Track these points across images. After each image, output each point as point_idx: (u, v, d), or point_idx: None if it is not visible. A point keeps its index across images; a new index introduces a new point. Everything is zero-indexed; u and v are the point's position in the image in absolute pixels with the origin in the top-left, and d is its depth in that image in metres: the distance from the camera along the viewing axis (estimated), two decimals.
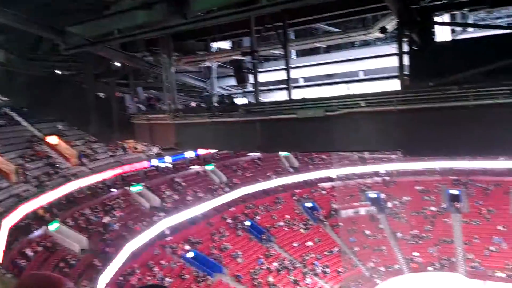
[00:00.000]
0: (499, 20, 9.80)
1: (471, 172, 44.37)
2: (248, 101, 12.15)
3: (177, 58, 12.12)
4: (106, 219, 31.04)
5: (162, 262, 31.49)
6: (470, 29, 9.39)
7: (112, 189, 34.25)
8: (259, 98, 10.41)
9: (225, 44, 13.16)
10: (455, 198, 44.63)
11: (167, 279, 29.87)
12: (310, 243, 40.58)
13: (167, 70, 11.78)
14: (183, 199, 37.13)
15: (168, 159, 37.88)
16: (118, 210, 32.59)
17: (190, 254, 33.50)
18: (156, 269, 30.49)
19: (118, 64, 14.00)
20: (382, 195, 46.57)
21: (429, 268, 38.96)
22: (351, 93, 9.96)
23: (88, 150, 33.29)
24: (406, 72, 7.09)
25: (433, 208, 44.21)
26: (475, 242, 39.86)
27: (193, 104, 14.98)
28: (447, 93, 6.07)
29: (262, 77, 11.19)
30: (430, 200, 45.14)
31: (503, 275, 36.44)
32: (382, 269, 39.48)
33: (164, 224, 33.49)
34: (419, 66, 6.66)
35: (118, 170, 33.90)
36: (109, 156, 34.52)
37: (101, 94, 16.33)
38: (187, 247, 34.06)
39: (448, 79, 6.11)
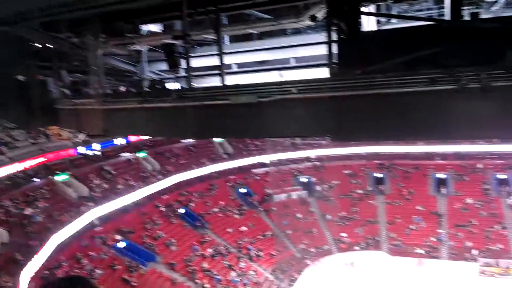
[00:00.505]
0: (420, 12, 10.41)
1: (394, 156, 47.34)
2: (181, 86, 11.90)
3: (105, 40, 11.54)
4: (28, 211, 29.15)
5: (92, 253, 30.31)
6: (394, 20, 9.89)
7: (35, 179, 32.17)
8: (192, 83, 10.24)
9: (156, 27, 12.73)
10: (379, 181, 47.48)
11: (97, 270, 28.85)
12: (244, 228, 41.17)
13: (94, 52, 11.18)
14: (114, 187, 35.85)
15: (96, 146, 36.22)
16: (42, 201, 30.73)
17: (122, 244, 32.55)
18: (85, 261, 29.30)
19: (40, 46, 13.05)
20: (313, 180, 48.29)
21: (356, 248, 41.25)
22: (283, 80, 10.11)
23: (7, 138, 30.90)
24: (335, 60, 7.34)
25: (359, 191, 46.70)
26: (397, 221, 42.77)
27: (123, 89, 14.40)
28: (372, 81, 6.37)
29: (195, 62, 11.00)
30: (357, 183, 47.60)
31: (422, 251, 39.56)
32: (313, 250, 41.15)
33: (93, 214, 32.16)
34: (347, 54, 6.91)
35: (41, 159, 31.84)
36: (31, 144, 32.31)
37: (21, 78, 15.14)
38: (118, 237, 33.05)
39: (373, 67, 6.41)
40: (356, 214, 44.43)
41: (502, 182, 43.35)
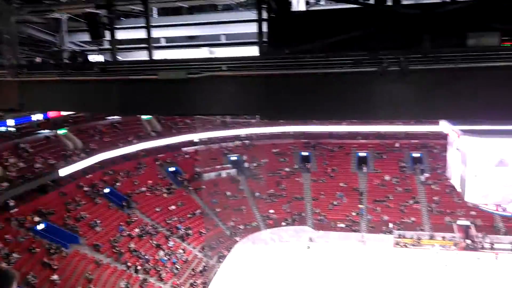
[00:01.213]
0: None
1: (319, 135, 49.24)
2: (104, 59, 11.27)
3: (19, 6, 10.54)
4: None
5: (7, 236, 28.30)
6: (323, 2, 10.09)
7: None
8: (117, 56, 9.75)
9: None
10: (305, 159, 49.23)
11: (14, 255, 27.04)
12: (173, 207, 40.77)
13: (7, 19, 10.18)
14: (31, 167, 33.50)
15: (10, 122, 33.44)
16: None
17: (41, 226, 30.72)
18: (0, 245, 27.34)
19: None
20: (243, 158, 48.84)
21: (283, 223, 42.69)
22: (213, 56, 9.96)
23: None
24: (265, 39, 7.35)
25: (287, 169, 48.13)
26: (322, 198, 44.83)
27: (39, 60, 13.33)
28: (300, 61, 6.46)
29: (120, 35, 10.45)
30: (284, 161, 48.96)
31: (343, 225, 41.93)
32: (242, 227, 41.92)
33: (7, 195, 29.90)
34: (277, 33, 6.94)
35: None
36: None
37: None
38: (36, 218, 31.12)
39: (302, 47, 6.51)
40: (284, 191, 45.83)
41: (416, 160, 46.99)
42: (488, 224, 39.21)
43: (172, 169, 45.12)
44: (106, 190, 37.89)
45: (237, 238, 40.36)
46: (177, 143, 46.22)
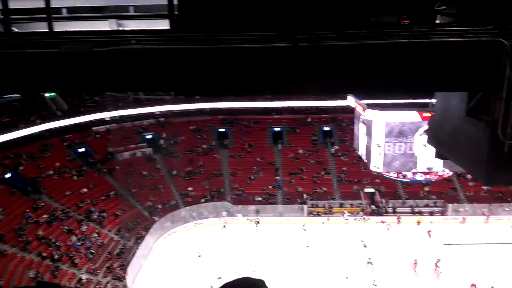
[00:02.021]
0: None
1: (236, 111, 49.58)
2: None
3: None
4: None
5: None
6: None
7: None
8: (12, 28, 8.80)
9: None
10: (223, 136, 49.44)
11: None
12: (85, 190, 38.75)
13: None
14: None
15: None
16: None
17: None
18: None
19: None
20: (158, 136, 47.66)
21: (202, 200, 42.78)
22: (121, 29, 9.43)
23: None
24: (176, 12, 7.09)
25: (204, 146, 47.98)
26: (239, 173, 45.56)
27: None
28: (212, 36, 6.38)
29: (14, 3, 9.43)
30: (201, 138, 48.72)
31: (260, 198, 43.16)
32: (160, 206, 41.25)
33: None
34: (188, 6, 6.74)
35: None
36: None
37: None
38: None
39: (214, 21, 6.40)
40: (202, 168, 45.76)
41: (326, 133, 49.52)
42: (391, 190, 42.94)
43: (82, 150, 42.65)
44: (8, 175, 34.81)
45: (156, 218, 39.69)
46: (87, 122, 43.55)
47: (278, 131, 49.96)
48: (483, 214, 40.11)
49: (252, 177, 45.21)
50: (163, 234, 38.14)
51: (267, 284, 1.62)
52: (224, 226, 40.14)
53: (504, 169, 5.89)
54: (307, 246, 36.09)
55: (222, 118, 50.42)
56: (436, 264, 31.70)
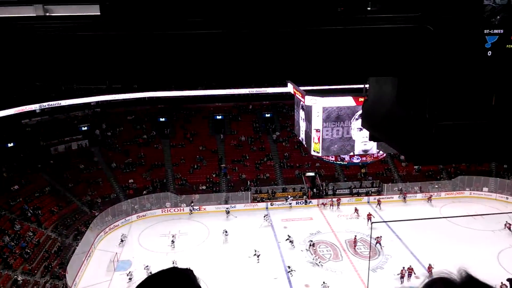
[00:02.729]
0: None
1: (176, 100, 48.59)
2: None
3: None
4: None
5: None
6: None
7: None
8: None
9: None
10: (163, 125, 48.40)
11: None
12: (16, 187, 36.46)
13: None
14: None
15: None
16: None
17: None
18: None
19: None
20: (95, 128, 45.73)
21: (144, 192, 41.76)
22: (48, 15, 8.84)
23: None
24: None
25: (144, 136, 46.75)
26: (182, 163, 44.95)
27: None
28: (143, 23, 6.16)
29: None
30: (141, 129, 47.40)
31: (204, 187, 42.93)
32: (99, 200, 39.78)
33: None
34: None
35: None
36: None
37: None
38: None
39: (142, 8, 6.17)
40: (142, 160, 44.61)
41: (268, 120, 50.06)
42: (330, 173, 44.45)
43: (10, 144, 39.92)
44: None
45: (96, 212, 38.23)
46: (14, 115, 40.59)
47: (220, 119, 49.78)
48: (401, 193, 42.26)
49: (195, 166, 44.80)
50: (105, 228, 36.86)
51: (195, 273, 1.59)
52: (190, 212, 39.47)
53: (433, 149, 6.27)
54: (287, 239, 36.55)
55: (162, 107, 49.30)
56: (378, 242, 33.27)
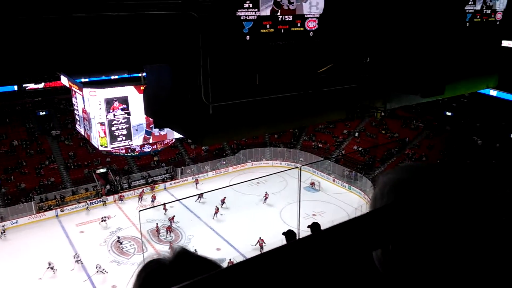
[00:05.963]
0: None
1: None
2: None
3: None
4: None
5: None
6: None
7: None
8: None
9: None
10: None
11: None
12: None
13: None
14: None
15: None
16: None
17: None
18: None
19: None
20: None
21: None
22: None
23: None
24: None
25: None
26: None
27: None
28: None
29: None
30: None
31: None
32: None
33: None
34: None
35: None
36: None
37: None
38: None
39: None
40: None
41: (44, 118, 44.84)
42: (122, 166, 43.14)
43: None
44: None
45: None
46: None
47: None
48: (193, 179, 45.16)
49: None
50: None
51: None
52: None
53: (213, 129, 6.75)
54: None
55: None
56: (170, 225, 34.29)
